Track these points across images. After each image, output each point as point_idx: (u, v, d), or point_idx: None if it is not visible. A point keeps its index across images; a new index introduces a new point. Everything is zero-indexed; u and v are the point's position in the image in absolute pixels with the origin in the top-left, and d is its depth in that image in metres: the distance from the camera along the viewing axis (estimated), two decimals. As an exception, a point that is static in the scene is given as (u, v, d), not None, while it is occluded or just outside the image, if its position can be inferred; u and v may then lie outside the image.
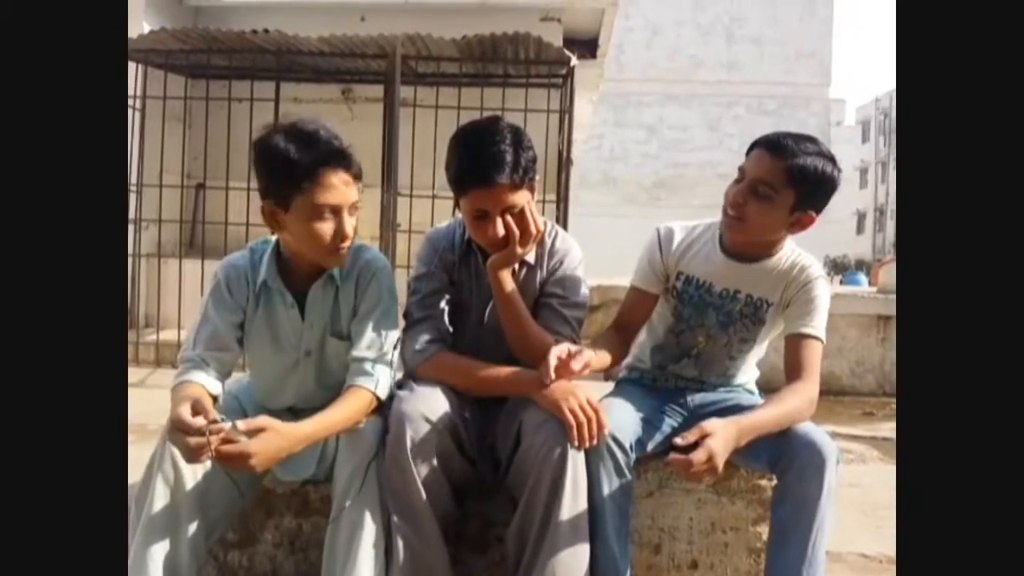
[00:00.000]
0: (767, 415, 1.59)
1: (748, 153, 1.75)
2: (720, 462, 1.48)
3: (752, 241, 1.78)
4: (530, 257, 1.78)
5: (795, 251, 1.83)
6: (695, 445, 1.47)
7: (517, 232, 1.66)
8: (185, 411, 1.37)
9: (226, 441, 1.37)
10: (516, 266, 1.75)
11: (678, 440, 1.50)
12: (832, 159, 1.69)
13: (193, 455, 1.36)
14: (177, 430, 1.37)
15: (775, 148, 1.68)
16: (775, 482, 1.66)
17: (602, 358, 1.76)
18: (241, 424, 1.40)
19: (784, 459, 1.59)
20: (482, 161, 1.60)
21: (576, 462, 1.53)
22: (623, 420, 1.68)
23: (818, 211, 1.71)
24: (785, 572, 1.56)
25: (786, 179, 1.66)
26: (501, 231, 1.65)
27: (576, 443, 1.53)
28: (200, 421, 1.36)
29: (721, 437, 1.49)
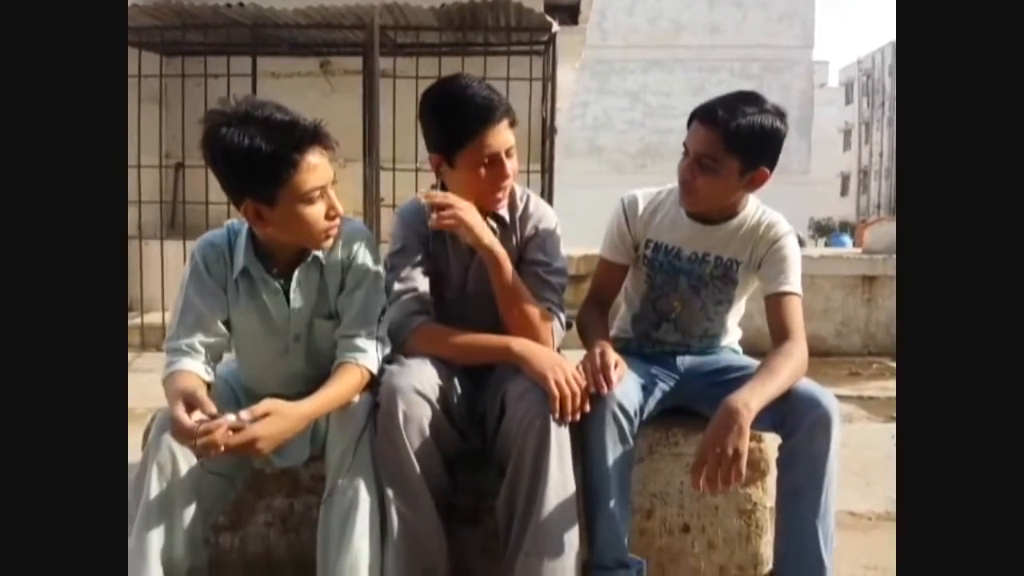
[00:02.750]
0: (773, 385, 1.57)
1: (688, 125, 1.75)
2: (744, 448, 1.48)
3: (711, 208, 1.79)
4: (504, 214, 1.78)
5: (760, 208, 1.84)
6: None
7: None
8: (182, 414, 1.36)
9: (233, 429, 1.37)
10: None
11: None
12: (773, 112, 1.67)
13: (203, 453, 1.37)
14: (180, 433, 1.36)
15: (708, 118, 1.68)
16: (779, 442, 1.66)
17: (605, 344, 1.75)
18: (245, 414, 1.39)
19: (790, 420, 1.59)
20: (481, 101, 1.62)
21: (560, 430, 1.53)
22: (628, 387, 1.68)
23: (771, 166, 1.71)
24: (801, 528, 1.58)
25: (725, 147, 1.66)
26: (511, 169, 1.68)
27: (557, 415, 1.52)
28: (198, 416, 1.36)
29: (737, 430, 1.48)
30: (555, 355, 1.64)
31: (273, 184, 1.46)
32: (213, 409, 1.39)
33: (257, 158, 1.43)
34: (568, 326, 1.82)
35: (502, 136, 1.65)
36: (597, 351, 1.65)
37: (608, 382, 1.59)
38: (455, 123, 1.64)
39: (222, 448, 1.35)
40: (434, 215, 1.63)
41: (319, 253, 1.63)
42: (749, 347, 2.05)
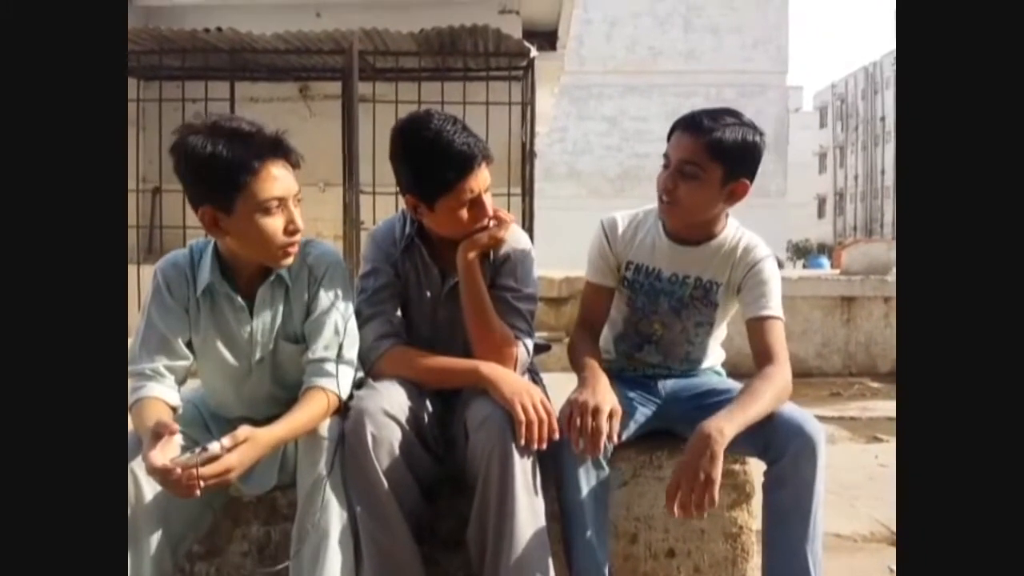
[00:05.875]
0: (752, 410, 1.55)
1: (669, 138, 1.76)
2: (716, 474, 1.46)
3: (692, 222, 1.79)
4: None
5: (739, 231, 1.84)
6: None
7: (495, 212, 1.70)
8: (158, 457, 1.30)
9: (208, 461, 1.33)
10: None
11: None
12: (752, 126, 1.70)
13: (187, 492, 1.31)
14: (157, 472, 1.31)
15: (692, 127, 1.69)
16: (763, 468, 1.64)
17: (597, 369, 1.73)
18: (227, 441, 1.36)
19: (775, 446, 1.57)
20: (461, 148, 1.60)
21: (525, 457, 1.51)
22: None
23: (750, 179, 1.72)
24: (790, 554, 1.56)
25: (709, 155, 1.67)
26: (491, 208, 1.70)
27: (523, 442, 1.50)
28: (173, 453, 1.32)
29: (709, 456, 1.46)
30: (523, 380, 1.63)
31: (231, 190, 1.45)
32: (177, 451, 1.35)
33: (217, 163, 1.43)
34: (544, 349, 1.81)
35: (481, 178, 1.65)
36: (590, 402, 1.57)
37: (594, 445, 1.53)
38: (434, 173, 1.62)
39: (201, 486, 1.31)
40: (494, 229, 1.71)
41: (283, 272, 1.60)
42: (730, 369, 2.05)
